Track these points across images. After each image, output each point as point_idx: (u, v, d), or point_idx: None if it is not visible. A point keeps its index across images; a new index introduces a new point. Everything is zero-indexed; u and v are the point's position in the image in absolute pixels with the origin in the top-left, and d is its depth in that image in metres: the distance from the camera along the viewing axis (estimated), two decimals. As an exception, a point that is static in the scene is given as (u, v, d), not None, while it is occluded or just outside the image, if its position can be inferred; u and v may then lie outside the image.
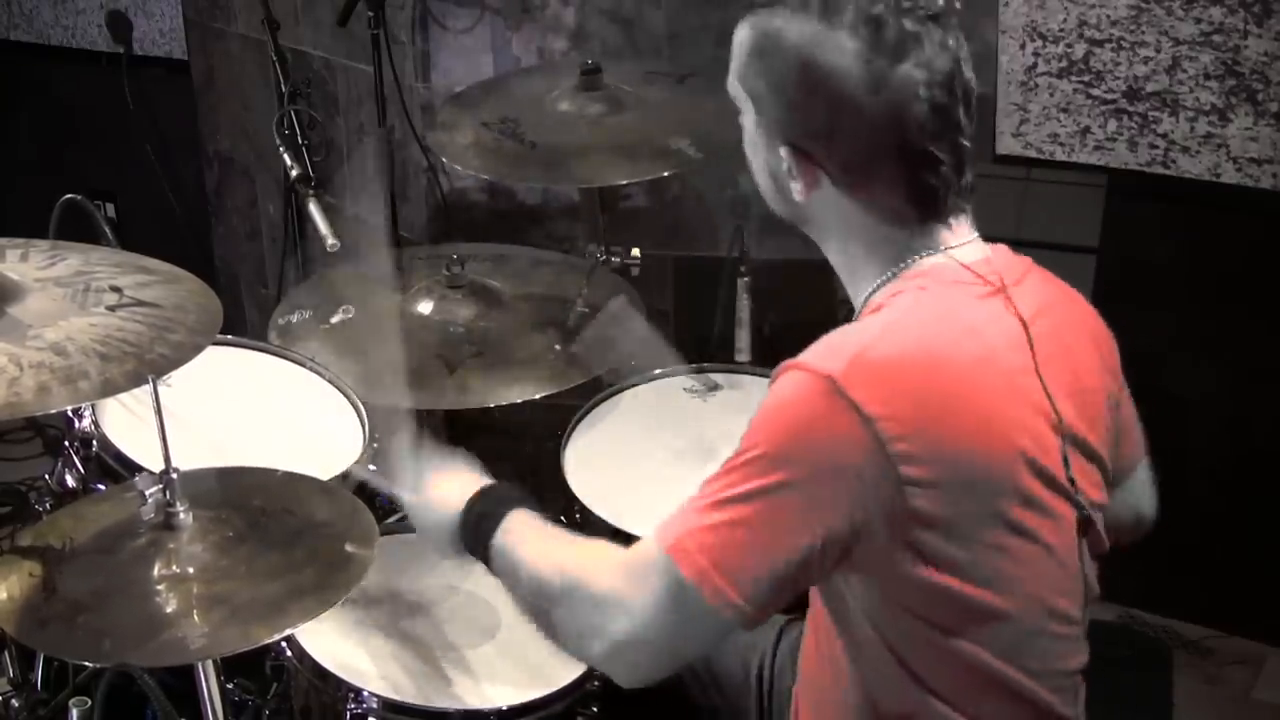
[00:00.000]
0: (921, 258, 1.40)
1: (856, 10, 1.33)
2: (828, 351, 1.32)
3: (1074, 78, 2.60)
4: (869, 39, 1.32)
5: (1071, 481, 1.36)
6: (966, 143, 1.36)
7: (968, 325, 1.36)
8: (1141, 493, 1.60)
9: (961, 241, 1.41)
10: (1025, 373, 1.36)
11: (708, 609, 1.29)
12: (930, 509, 1.28)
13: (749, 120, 1.44)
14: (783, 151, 1.39)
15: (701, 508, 1.32)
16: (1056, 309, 1.45)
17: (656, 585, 1.31)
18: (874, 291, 1.41)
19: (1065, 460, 1.36)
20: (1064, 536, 1.38)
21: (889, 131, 1.33)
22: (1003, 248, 1.47)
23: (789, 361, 1.34)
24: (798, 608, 1.72)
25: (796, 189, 1.40)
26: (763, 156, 1.44)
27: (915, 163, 1.35)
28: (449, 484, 1.59)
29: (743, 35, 1.42)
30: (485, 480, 1.59)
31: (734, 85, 1.44)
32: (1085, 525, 1.39)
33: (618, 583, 1.36)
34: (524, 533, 1.49)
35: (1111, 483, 1.46)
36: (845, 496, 1.28)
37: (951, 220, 1.40)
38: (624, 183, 2.58)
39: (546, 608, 1.42)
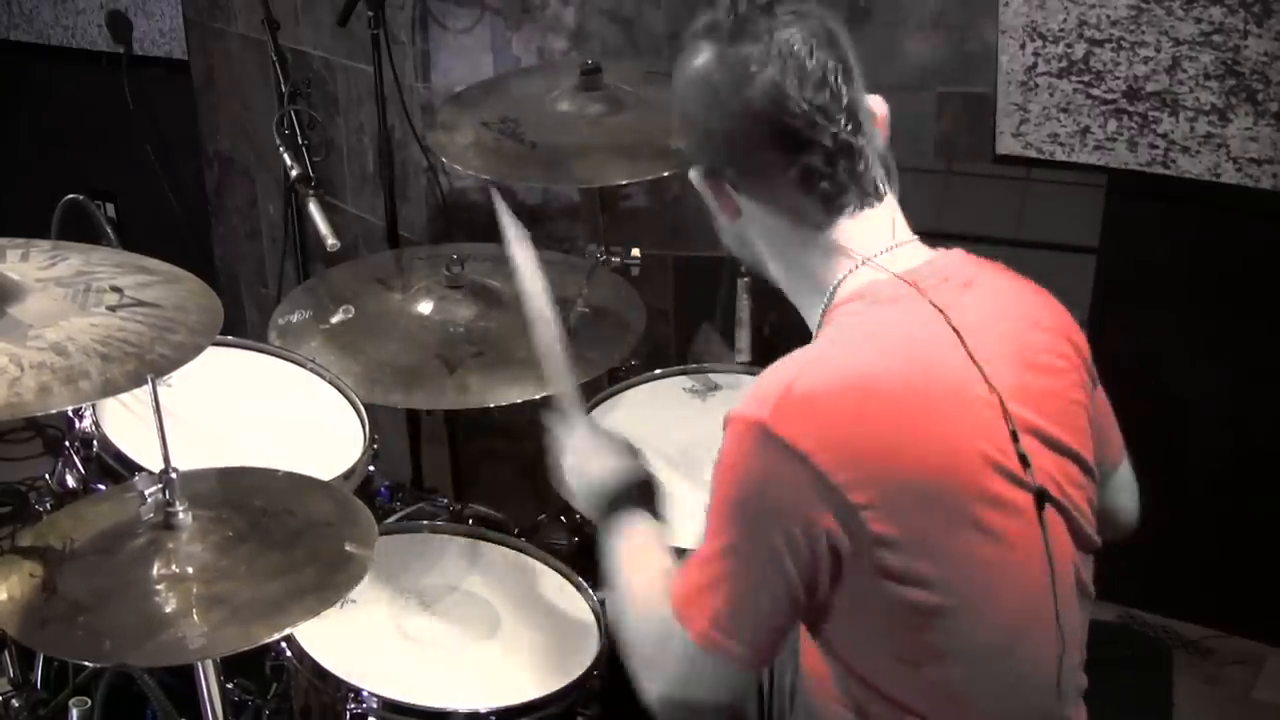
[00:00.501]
0: (851, 274, 1.41)
1: (708, 21, 1.40)
2: (757, 396, 1.34)
3: (1074, 78, 2.60)
4: (716, 36, 1.38)
5: (1025, 464, 1.36)
6: (849, 133, 1.37)
7: (899, 341, 1.36)
8: (1122, 491, 1.60)
9: (890, 245, 1.42)
10: (968, 379, 1.35)
11: (718, 664, 1.36)
12: (889, 530, 1.30)
13: (691, 167, 1.47)
14: (694, 178, 1.44)
15: (693, 563, 1.38)
16: (1012, 311, 1.44)
17: (675, 649, 1.38)
18: (821, 317, 1.44)
19: (1019, 449, 1.35)
20: (1028, 530, 1.37)
21: (761, 118, 1.36)
22: (956, 252, 1.47)
23: (729, 412, 1.36)
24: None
25: (723, 218, 1.45)
26: (709, 201, 1.47)
27: (796, 148, 1.37)
28: (606, 452, 1.63)
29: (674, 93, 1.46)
30: (637, 469, 1.61)
31: (675, 140, 1.51)
32: (1041, 502, 1.38)
33: (649, 646, 1.43)
34: (630, 549, 1.53)
35: (1097, 480, 1.46)
36: (806, 535, 1.30)
37: (864, 217, 1.41)
38: (624, 183, 2.58)
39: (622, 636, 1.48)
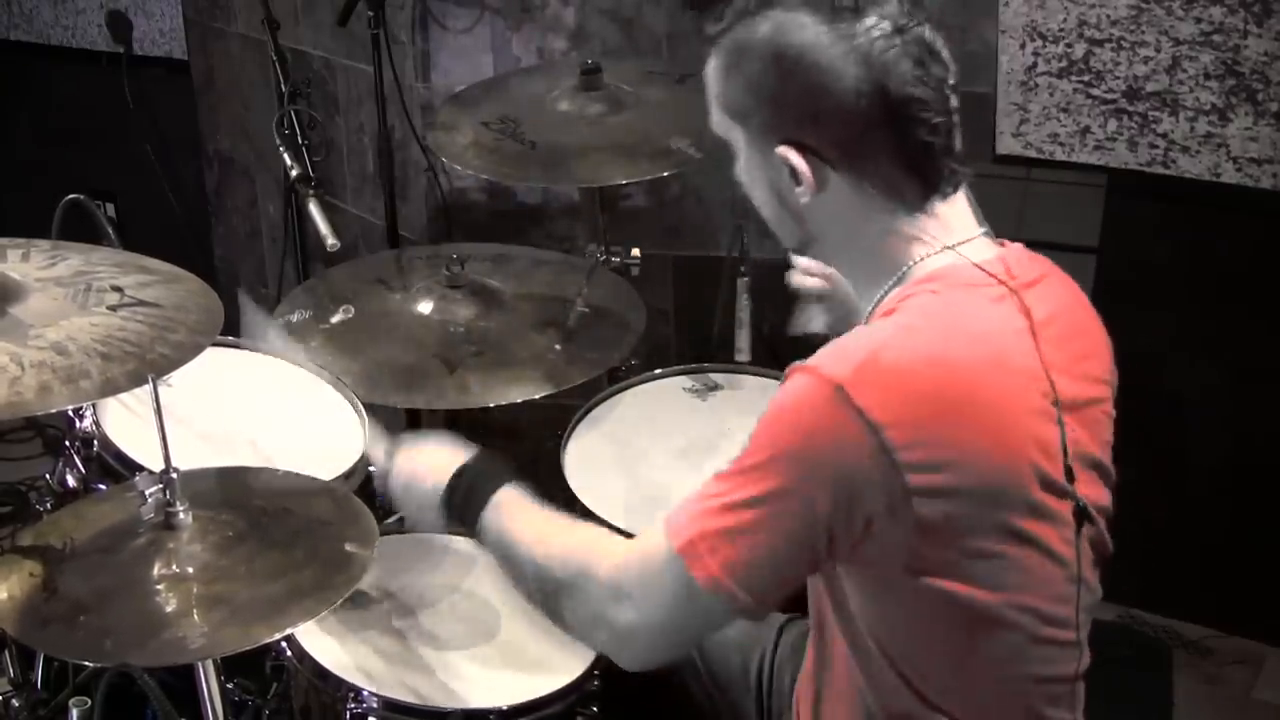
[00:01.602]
0: (929, 257, 1.39)
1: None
2: (838, 355, 1.31)
3: (1074, 78, 2.60)
4: (819, 13, 1.35)
5: (1070, 478, 1.36)
6: (952, 96, 1.36)
7: (980, 329, 1.35)
8: None
9: (968, 236, 1.41)
10: (1035, 377, 1.35)
11: (715, 605, 1.33)
12: (936, 517, 1.28)
13: (740, 142, 1.44)
14: (779, 152, 1.38)
15: (712, 510, 1.33)
16: (1072, 314, 1.44)
17: (666, 582, 1.34)
18: (883, 296, 1.40)
19: (1066, 459, 1.36)
20: (1065, 539, 1.37)
21: (870, 89, 1.33)
22: (1018, 247, 1.46)
23: (799, 364, 1.33)
24: (798, 606, 1.72)
25: (802, 193, 1.38)
26: (762, 177, 1.43)
27: (904, 118, 1.34)
28: (432, 454, 1.64)
29: (711, 64, 1.43)
30: (469, 451, 1.61)
31: (717, 118, 1.45)
32: (1081, 520, 1.38)
33: (626, 576, 1.38)
34: (517, 511, 1.52)
35: (1112, 487, 1.46)
36: (850, 502, 1.28)
37: (951, 202, 1.40)
38: (624, 183, 2.58)
39: (550, 590, 1.44)
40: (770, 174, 1.41)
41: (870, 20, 1.34)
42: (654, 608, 1.36)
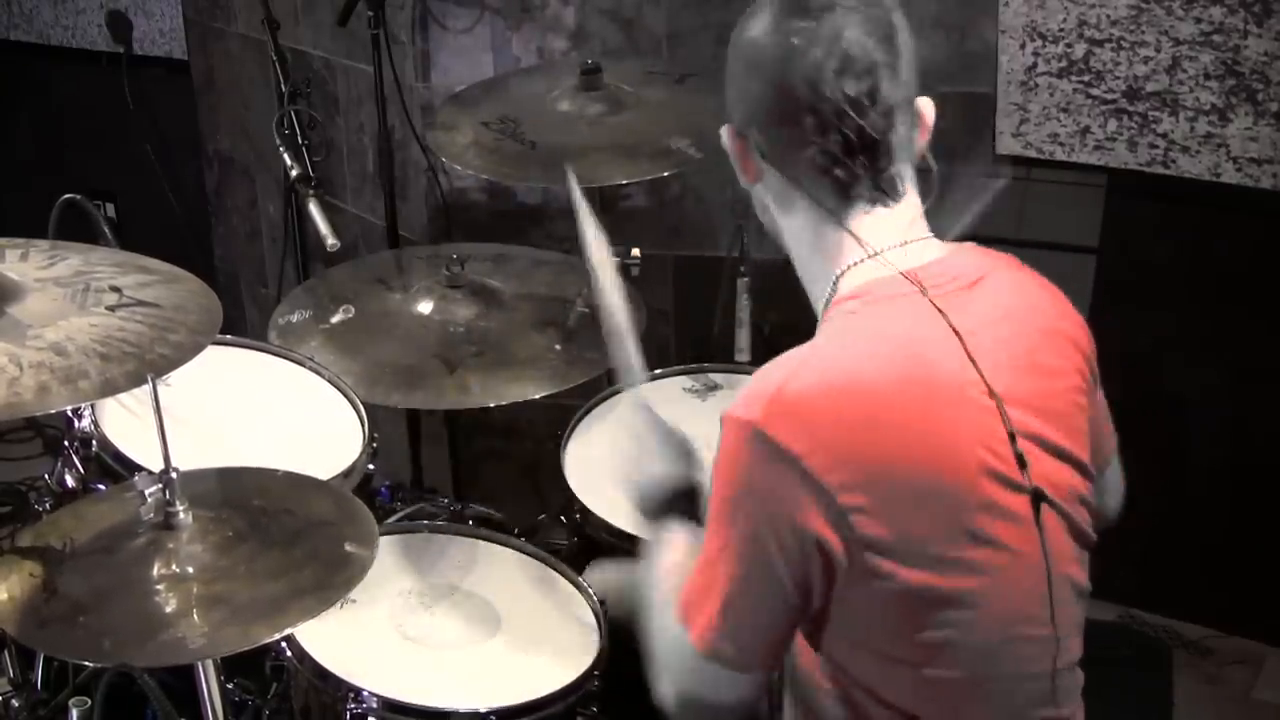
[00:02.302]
0: (854, 266, 1.40)
1: None
2: (751, 395, 1.33)
3: (1074, 78, 2.60)
4: (779, 4, 1.38)
5: (1023, 466, 1.36)
6: (879, 130, 1.37)
7: (899, 341, 1.35)
8: (1107, 491, 1.60)
9: (899, 242, 1.40)
10: (966, 381, 1.34)
11: (724, 670, 1.36)
12: (880, 534, 1.29)
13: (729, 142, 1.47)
14: (723, 133, 1.44)
15: (698, 565, 1.37)
16: (1018, 309, 1.43)
17: (680, 650, 1.38)
18: (825, 304, 1.43)
19: (1016, 451, 1.35)
20: (1025, 533, 1.37)
21: (792, 94, 1.35)
22: (969, 247, 1.46)
23: (724, 411, 1.35)
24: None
25: (743, 178, 1.45)
26: (742, 166, 1.47)
27: (819, 132, 1.35)
28: (662, 461, 1.62)
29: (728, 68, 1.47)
30: (686, 478, 1.60)
31: (728, 114, 1.48)
32: (1038, 507, 1.38)
33: (663, 649, 1.43)
34: (665, 559, 1.51)
35: (1093, 480, 1.46)
36: (795, 540, 1.30)
37: (879, 214, 1.40)
38: (624, 183, 2.58)
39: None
40: (732, 160, 1.47)
41: (807, 22, 1.35)
42: (677, 676, 1.41)
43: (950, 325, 1.36)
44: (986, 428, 1.34)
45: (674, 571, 1.47)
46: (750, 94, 1.40)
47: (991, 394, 1.35)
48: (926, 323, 1.37)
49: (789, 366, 1.34)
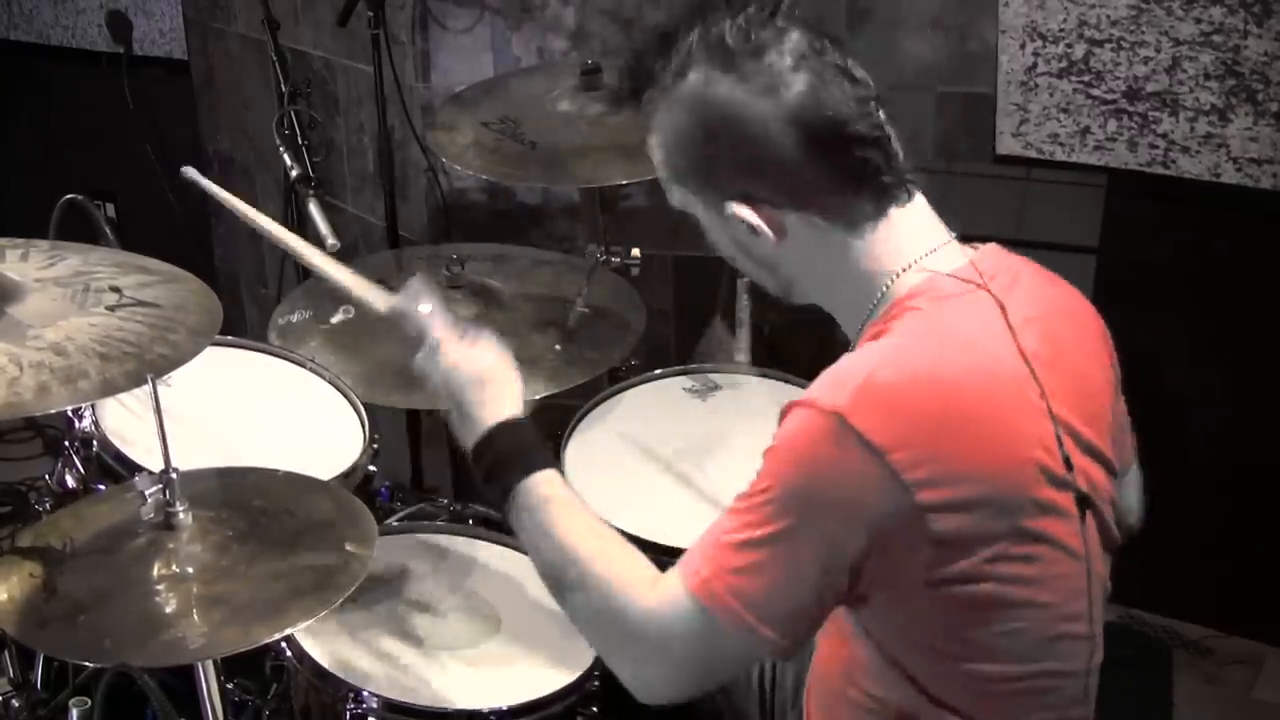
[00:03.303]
0: (903, 274, 1.38)
1: (699, 48, 1.35)
2: (833, 384, 1.31)
3: (1074, 78, 2.60)
4: (724, 59, 1.34)
5: (1069, 467, 1.36)
6: (877, 109, 1.35)
7: (966, 339, 1.35)
8: (1130, 494, 1.60)
9: (935, 244, 1.40)
10: (1024, 379, 1.35)
11: (740, 644, 1.31)
12: (951, 531, 1.28)
13: (696, 205, 1.43)
14: (732, 211, 1.37)
15: (726, 547, 1.32)
16: (1055, 309, 1.44)
17: (687, 626, 1.32)
18: (867, 321, 1.40)
19: (1063, 452, 1.36)
20: (1073, 531, 1.38)
21: (793, 126, 1.32)
22: (992, 248, 1.46)
23: (795, 399, 1.32)
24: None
25: (767, 243, 1.38)
26: (725, 235, 1.42)
27: (835, 144, 1.33)
28: (481, 365, 1.55)
29: (650, 139, 1.43)
30: (515, 401, 1.52)
31: (672, 191, 1.45)
32: (1083, 508, 1.38)
33: (649, 623, 1.35)
34: (557, 503, 1.44)
35: (1117, 478, 1.47)
36: (864, 531, 1.27)
37: (908, 212, 1.38)
38: (624, 183, 2.58)
39: (572, 601, 1.41)
40: (730, 231, 1.40)
41: (771, 57, 1.33)
42: (676, 652, 1.34)
43: (1007, 322, 1.36)
44: (1041, 426, 1.34)
45: (597, 536, 1.41)
46: (752, 154, 1.34)
47: (1042, 393, 1.35)
48: (987, 320, 1.37)
49: (870, 359, 1.32)
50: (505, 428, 1.49)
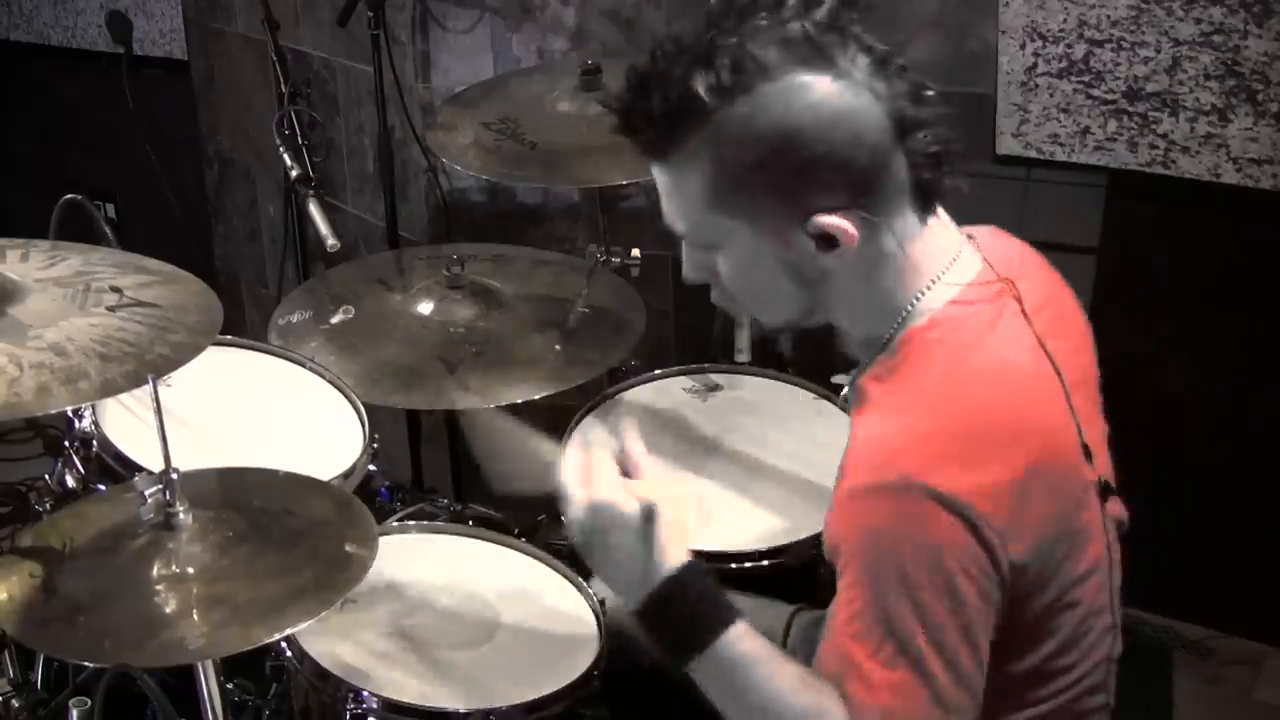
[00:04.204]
0: (926, 293, 1.35)
1: (772, 52, 1.25)
2: (885, 459, 1.27)
3: (1074, 78, 2.60)
4: (812, 57, 1.26)
5: (1088, 456, 1.37)
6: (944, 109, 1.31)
7: (996, 359, 1.32)
8: None
9: (953, 256, 1.38)
10: (1049, 374, 1.36)
11: None
12: (1022, 557, 1.28)
13: (740, 239, 1.33)
14: (817, 223, 1.28)
15: (876, 666, 1.26)
16: (1054, 292, 1.45)
17: None
18: (884, 343, 1.37)
19: (1082, 440, 1.37)
20: (1098, 520, 1.40)
21: (893, 119, 1.27)
22: (989, 232, 1.44)
23: (857, 484, 1.28)
24: (806, 596, 1.72)
25: (827, 257, 1.31)
26: (769, 263, 1.34)
27: (917, 147, 1.29)
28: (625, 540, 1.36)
29: (672, 182, 1.32)
30: (684, 556, 1.35)
31: (707, 225, 1.33)
32: (1104, 495, 1.40)
33: None
34: (758, 653, 1.33)
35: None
36: (978, 572, 1.25)
37: (934, 223, 1.36)
38: (624, 183, 2.58)
39: None
40: (785, 255, 1.32)
41: (858, 58, 1.27)
42: None
43: (1026, 318, 1.36)
44: (1070, 422, 1.35)
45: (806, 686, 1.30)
46: (848, 157, 1.26)
47: (1064, 389, 1.36)
48: (1013, 333, 1.36)
49: (913, 415, 1.29)
50: (683, 578, 1.34)
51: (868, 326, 1.39)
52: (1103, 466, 1.40)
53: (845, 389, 1.46)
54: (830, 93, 1.25)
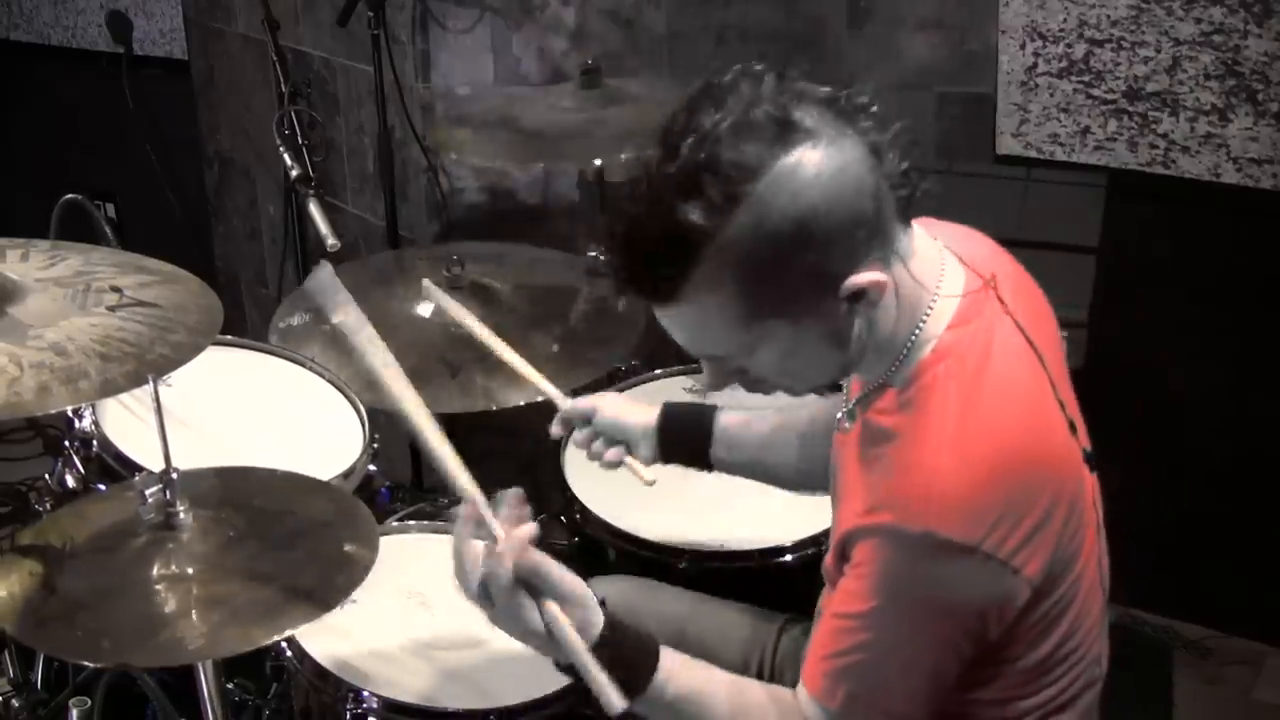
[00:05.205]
0: (926, 321, 1.34)
1: (750, 150, 1.21)
2: (904, 504, 1.28)
3: (1074, 78, 2.60)
4: (831, 122, 1.24)
5: (1073, 430, 1.38)
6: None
7: (1002, 382, 1.33)
8: None
9: (941, 266, 1.37)
10: (1041, 377, 1.37)
11: None
12: (1037, 579, 1.31)
13: (779, 335, 1.30)
14: (851, 283, 1.25)
15: (864, 688, 1.34)
16: (1011, 274, 1.45)
17: None
18: (890, 375, 1.36)
19: (1067, 416, 1.38)
20: (1089, 496, 1.41)
21: (878, 173, 1.26)
22: (945, 233, 1.42)
23: (871, 523, 1.30)
24: (798, 606, 1.71)
25: (867, 304, 1.29)
26: (811, 343, 1.32)
27: (900, 180, 1.28)
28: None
29: (694, 317, 1.28)
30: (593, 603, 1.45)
31: (740, 342, 1.31)
32: (1090, 467, 1.41)
33: None
34: (693, 672, 1.44)
35: None
36: (977, 621, 1.31)
37: (918, 244, 1.35)
38: (624, 183, 2.58)
39: None
40: (825, 327, 1.30)
41: (822, 114, 1.24)
42: None
43: (1015, 321, 1.37)
44: (1062, 421, 1.36)
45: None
46: (867, 215, 1.24)
47: (1048, 376, 1.37)
48: (1001, 334, 1.36)
49: (927, 460, 1.29)
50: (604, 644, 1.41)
51: (870, 367, 1.38)
52: (1083, 436, 1.40)
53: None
54: (819, 160, 1.22)
